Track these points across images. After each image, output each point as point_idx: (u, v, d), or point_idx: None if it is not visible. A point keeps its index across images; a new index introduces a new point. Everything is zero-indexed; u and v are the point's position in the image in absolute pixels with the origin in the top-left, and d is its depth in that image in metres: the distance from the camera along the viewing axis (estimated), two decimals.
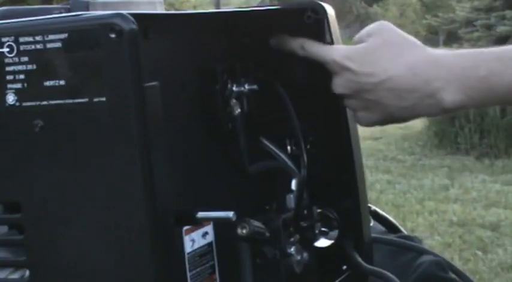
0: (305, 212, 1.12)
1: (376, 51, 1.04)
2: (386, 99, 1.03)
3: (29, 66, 0.87)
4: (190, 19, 1.06)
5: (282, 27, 1.11)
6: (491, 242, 5.20)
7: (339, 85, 1.05)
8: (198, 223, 0.97)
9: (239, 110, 1.06)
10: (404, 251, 1.28)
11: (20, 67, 0.87)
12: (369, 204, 1.21)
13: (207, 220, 0.97)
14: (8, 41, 0.87)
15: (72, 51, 0.85)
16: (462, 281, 1.24)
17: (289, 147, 1.13)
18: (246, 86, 1.08)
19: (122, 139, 0.85)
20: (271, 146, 1.11)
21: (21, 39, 0.87)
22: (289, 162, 1.11)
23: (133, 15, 0.85)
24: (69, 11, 1.01)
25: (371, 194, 6.04)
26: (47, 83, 0.86)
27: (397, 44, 1.04)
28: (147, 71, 0.85)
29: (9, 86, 0.88)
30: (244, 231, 0.97)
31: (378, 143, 9.06)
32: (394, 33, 1.06)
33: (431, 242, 5.09)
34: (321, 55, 1.06)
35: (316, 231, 1.14)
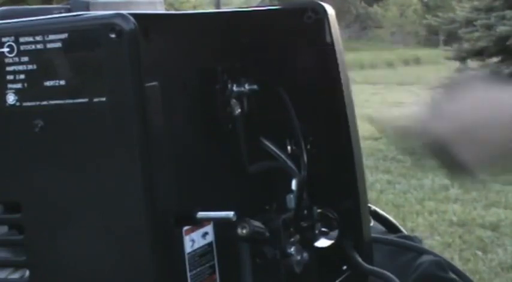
0: (305, 212, 1.12)
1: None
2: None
3: (29, 66, 0.87)
4: (190, 19, 1.06)
5: (282, 27, 1.11)
6: (491, 242, 5.20)
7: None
8: (198, 223, 0.97)
9: (239, 110, 1.06)
10: (404, 251, 1.28)
11: (20, 67, 0.87)
12: (369, 204, 1.21)
13: (207, 220, 0.97)
14: (8, 41, 0.87)
15: (73, 51, 0.85)
16: (462, 281, 1.24)
17: (289, 147, 1.13)
18: (246, 86, 1.08)
19: (122, 139, 0.85)
20: (271, 146, 1.11)
21: (22, 39, 0.87)
22: (289, 162, 1.11)
23: (133, 15, 0.85)
24: (69, 11, 1.01)
25: (371, 194, 6.04)
26: (47, 83, 0.86)
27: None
28: (147, 71, 0.85)
29: (9, 86, 0.88)
30: (244, 231, 0.97)
31: (378, 143, 9.06)
32: None
33: (431, 242, 5.08)
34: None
35: (316, 231, 1.14)
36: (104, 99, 0.84)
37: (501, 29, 9.55)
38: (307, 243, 1.11)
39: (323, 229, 1.14)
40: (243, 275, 1.06)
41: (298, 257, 1.08)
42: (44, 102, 0.86)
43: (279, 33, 1.11)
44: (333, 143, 1.14)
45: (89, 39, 0.85)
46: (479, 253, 4.96)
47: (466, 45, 10.38)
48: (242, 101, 1.07)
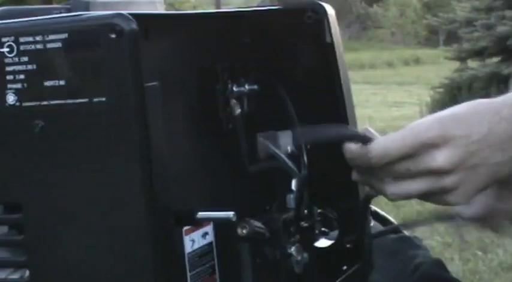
0: (305, 212, 1.12)
1: (465, 112, 0.96)
2: (489, 158, 0.94)
3: (29, 66, 0.87)
4: (190, 19, 1.07)
5: (282, 27, 1.11)
6: (491, 242, 5.20)
7: (445, 159, 0.93)
8: (198, 223, 0.97)
9: (239, 110, 1.06)
10: (404, 251, 1.28)
11: (20, 67, 0.87)
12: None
13: (207, 220, 0.97)
14: (8, 41, 0.87)
15: (73, 51, 0.85)
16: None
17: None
18: (246, 86, 1.08)
19: (122, 139, 0.85)
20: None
21: (21, 39, 0.87)
22: (289, 162, 1.11)
23: (133, 15, 0.85)
24: (69, 11, 1.01)
25: None
26: (47, 83, 0.86)
27: (472, 102, 0.98)
28: (147, 71, 0.85)
29: (9, 86, 0.88)
30: (244, 231, 0.97)
31: None
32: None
33: (431, 242, 5.08)
34: (415, 138, 0.94)
35: (316, 231, 1.14)
36: (104, 99, 0.84)
37: (501, 29, 9.55)
38: (307, 243, 1.11)
39: (323, 229, 1.14)
40: (243, 275, 1.06)
41: (298, 257, 1.08)
42: (44, 102, 0.86)
43: (279, 33, 1.11)
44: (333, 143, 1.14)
45: (89, 39, 0.85)
46: (479, 253, 4.96)
47: (466, 45, 10.39)
48: (242, 101, 1.07)
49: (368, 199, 1.06)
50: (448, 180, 0.94)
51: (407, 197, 0.97)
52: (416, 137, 0.94)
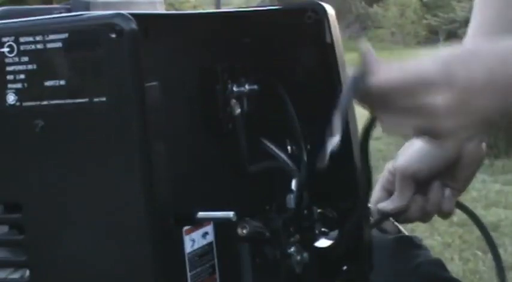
0: (305, 212, 1.12)
1: (469, 54, 0.93)
2: (487, 104, 0.90)
3: (30, 66, 0.87)
4: (190, 19, 1.07)
5: (282, 27, 1.11)
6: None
7: (444, 102, 0.90)
8: (198, 223, 0.97)
9: (239, 110, 1.06)
10: (404, 251, 1.28)
11: (20, 67, 0.87)
12: (369, 204, 1.21)
13: (207, 220, 0.97)
14: (8, 41, 0.87)
15: (73, 51, 0.86)
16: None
17: (289, 147, 1.13)
18: (246, 86, 1.08)
19: (122, 139, 0.85)
20: (271, 146, 1.11)
21: (22, 39, 0.87)
22: (289, 162, 1.11)
23: (133, 15, 0.85)
24: (69, 11, 1.01)
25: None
26: (48, 83, 0.86)
27: (475, 44, 0.96)
28: (147, 71, 0.86)
29: (9, 85, 0.88)
30: (244, 231, 0.97)
31: (378, 143, 9.05)
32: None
33: (431, 242, 5.08)
34: (416, 75, 0.92)
35: (316, 231, 1.14)
36: (104, 99, 0.84)
37: None
38: (307, 243, 1.11)
39: (323, 229, 1.14)
40: (243, 275, 1.06)
41: (298, 257, 1.08)
42: (44, 102, 0.87)
43: (279, 33, 1.11)
44: None
45: (89, 39, 0.85)
46: (479, 253, 4.96)
47: None
48: (242, 101, 1.07)
49: (372, 122, 1.02)
50: (444, 122, 0.91)
51: (400, 131, 0.95)
52: (418, 74, 0.91)
